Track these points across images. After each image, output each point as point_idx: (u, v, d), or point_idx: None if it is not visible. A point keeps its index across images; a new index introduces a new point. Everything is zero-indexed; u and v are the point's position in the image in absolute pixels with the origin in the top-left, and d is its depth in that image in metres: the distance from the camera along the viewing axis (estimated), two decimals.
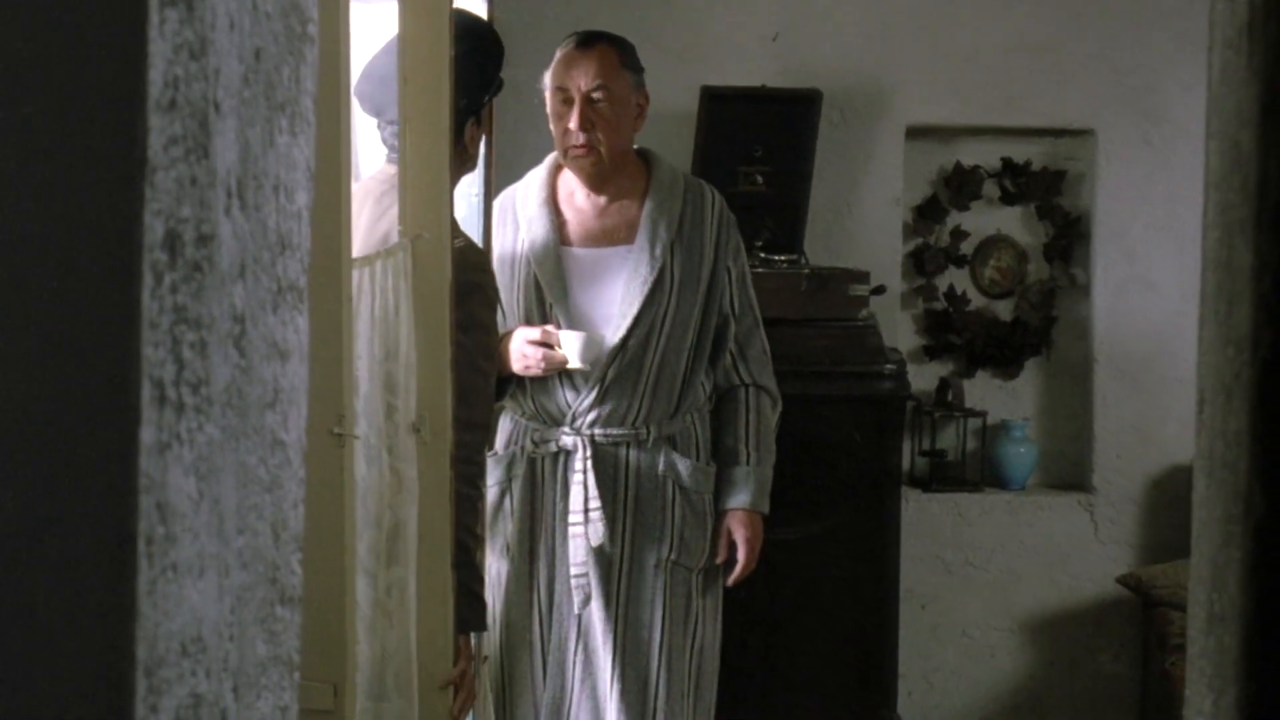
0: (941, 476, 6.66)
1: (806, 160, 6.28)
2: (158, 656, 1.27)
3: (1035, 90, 6.55)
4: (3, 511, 1.21)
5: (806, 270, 5.95)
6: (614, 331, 4.58)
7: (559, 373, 4.57)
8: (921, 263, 6.78)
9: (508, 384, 4.65)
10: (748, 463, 4.74)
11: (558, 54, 4.70)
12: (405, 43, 3.66)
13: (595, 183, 4.66)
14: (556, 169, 4.77)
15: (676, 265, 4.64)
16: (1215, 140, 1.53)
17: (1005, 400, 6.81)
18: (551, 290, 4.60)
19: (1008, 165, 6.76)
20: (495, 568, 4.65)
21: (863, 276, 5.96)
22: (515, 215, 4.72)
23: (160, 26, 1.23)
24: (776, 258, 6.02)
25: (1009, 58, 6.52)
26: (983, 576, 6.62)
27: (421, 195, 3.72)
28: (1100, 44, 6.51)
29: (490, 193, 4.88)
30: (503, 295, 4.58)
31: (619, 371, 4.59)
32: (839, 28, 6.47)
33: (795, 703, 5.79)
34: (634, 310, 4.59)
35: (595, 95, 4.60)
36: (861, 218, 6.56)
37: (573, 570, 4.59)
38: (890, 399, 5.82)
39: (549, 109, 4.71)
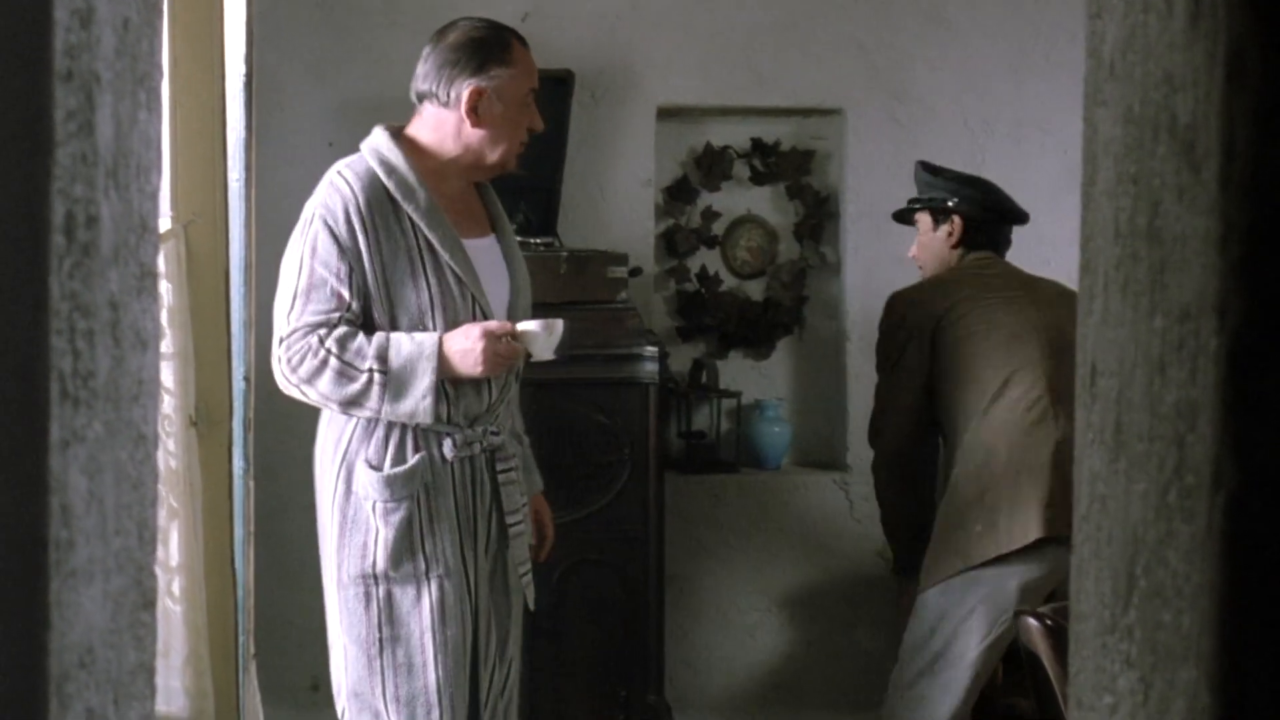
0: (698, 458, 6.66)
1: (559, 142, 6.24)
2: (64, 671, 1.18)
3: (784, 70, 6.58)
4: None
5: (564, 253, 5.90)
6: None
7: None
8: (673, 244, 6.78)
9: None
10: (526, 443, 4.69)
11: (515, 50, 4.42)
12: (175, 24, 3.55)
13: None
14: (411, 155, 4.35)
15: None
16: (1110, 108, 1.51)
17: (759, 380, 6.83)
18: (472, 283, 4.30)
19: (757, 145, 6.78)
20: (420, 591, 4.29)
21: (620, 258, 5.92)
22: (397, 202, 4.26)
23: None
24: (533, 240, 5.97)
25: (758, 38, 6.54)
26: (740, 557, 6.63)
27: (194, 179, 3.61)
28: (847, 24, 6.56)
29: (251, 179, 4.72)
30: (401, 290, 4.24)
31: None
32: (589, 7, 6.43)
33: (563, 688, 5.75)
34: (529, 299, 4.48)
35: None
36: (614, 199, 6.54)
37: (520, 571, 4.42)
38: (652, 381, 5.80)
39: (500, 110, 4.37)
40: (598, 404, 5.75)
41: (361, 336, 4.15)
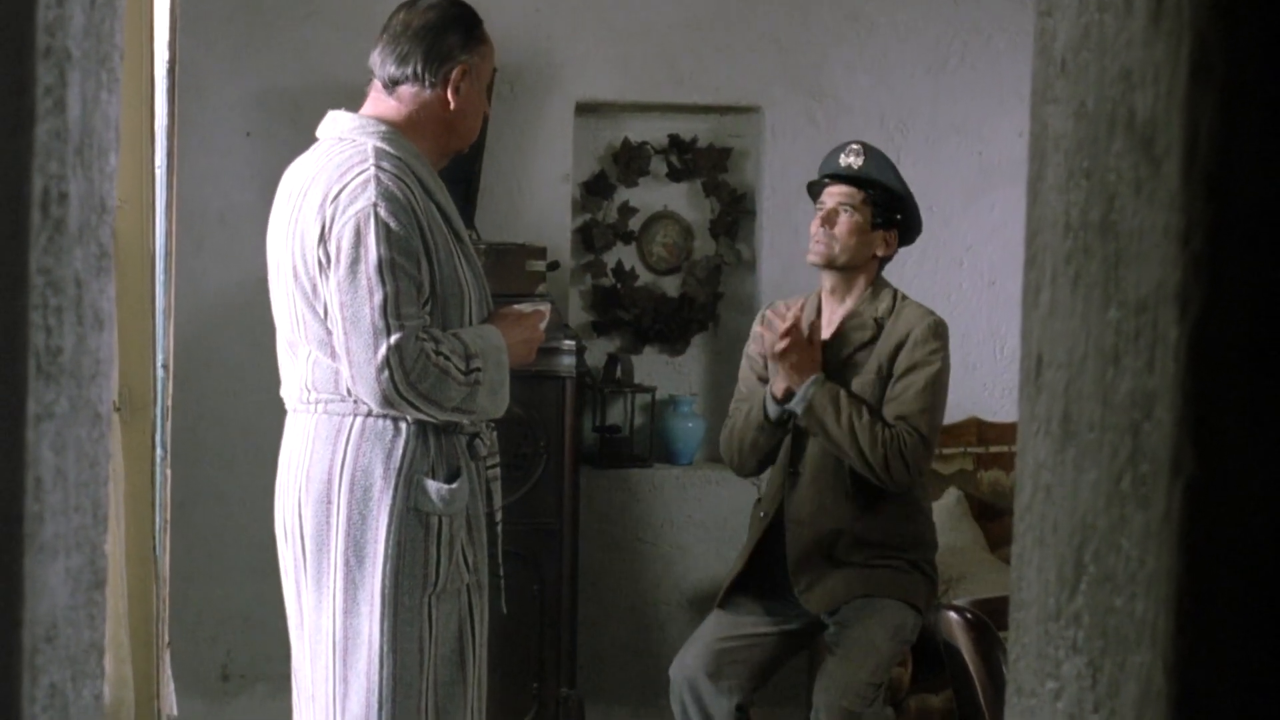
0: (612, 452, 6.67)
1: (478, 134, 6.23)
2: (34, 645, 1.18)
3: (703, 67, 6.60)
4: None
5: (483, 245, 5.90)
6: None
7: None
8: (590, 239, 6.79)
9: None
10: None
11: (483, 29, 4.14)
12: None
13: None
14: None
15: None
16: (1061, 105, 1.53)
17: (673, 376, 6.86)
18: (482, 274, 4.12)
19: (675, 142, 6.80)
20: (461, 603, 4.04)
21: (539, 252, 5.94)
22: (429, 192, 4.02)
23: None
24: None
25: (677, 35, 6.56)
26: (652, 551, 6.65)
27: (121, 165, 3.59)
28: (766, 23, 6.59)
29: (173, 166, 4.68)
30: (449, 281, 3.96)
31: None
32: (510, 1, 6.43)
33: None
34: None
35: None
36: (532, 193, 6.54)
37: (502, 570, 4.22)
38: (569, 375, 5.82)
39: (476, 89, 4.14)
40: (515, 397, 5.74)
41: (451, 335, 3.91)
